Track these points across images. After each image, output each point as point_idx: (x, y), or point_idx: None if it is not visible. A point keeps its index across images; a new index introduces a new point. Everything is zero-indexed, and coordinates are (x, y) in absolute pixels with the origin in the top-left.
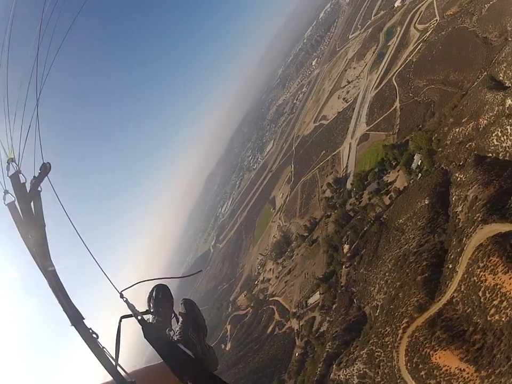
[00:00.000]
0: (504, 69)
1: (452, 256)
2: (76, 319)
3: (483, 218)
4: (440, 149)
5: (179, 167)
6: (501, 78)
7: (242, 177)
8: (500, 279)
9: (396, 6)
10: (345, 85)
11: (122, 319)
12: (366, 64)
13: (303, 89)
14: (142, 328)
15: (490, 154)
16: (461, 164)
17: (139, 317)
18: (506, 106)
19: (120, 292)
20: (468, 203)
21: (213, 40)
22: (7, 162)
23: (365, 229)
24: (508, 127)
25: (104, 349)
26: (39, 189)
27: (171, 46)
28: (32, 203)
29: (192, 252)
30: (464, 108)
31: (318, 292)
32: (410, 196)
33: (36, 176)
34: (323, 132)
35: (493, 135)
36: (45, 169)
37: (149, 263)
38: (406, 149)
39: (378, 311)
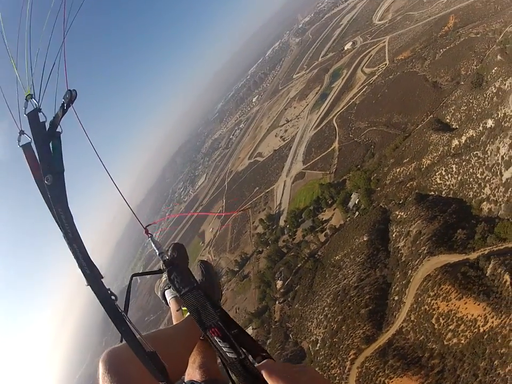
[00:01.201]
0: (452, 111)
1: (397, 289)
2: (94, 277)
3: (429, 251)
4: (378, 188)
5: (106, 193)
6: (447, 120)
7: (172, 209)
8: (454, 305)
9: (345, 48)
10: (284, 124)
11: (134, 277)
12: (308, 104)
13: (241, 125)
14: (167, 270)
15: (432, 193)
16: (400, 202)
17: (163, 256)
18: (452, 146)
19: (145, 227)
20: (410, 238)
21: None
22: (25, 99)
23: (299, 265)
24: (453, 166)
25: (122, 313)
26: (59, 129)
27: None
28: (50, 144)
29: (119, 280)
30: (407, 149)
31: (251, 327)
32: (347, 233)
33: (60, 107)
34: (257, 168)
35: (436, 174)
36: (71, 97)
37: None
38: (343, 188)
39: (319, 345)
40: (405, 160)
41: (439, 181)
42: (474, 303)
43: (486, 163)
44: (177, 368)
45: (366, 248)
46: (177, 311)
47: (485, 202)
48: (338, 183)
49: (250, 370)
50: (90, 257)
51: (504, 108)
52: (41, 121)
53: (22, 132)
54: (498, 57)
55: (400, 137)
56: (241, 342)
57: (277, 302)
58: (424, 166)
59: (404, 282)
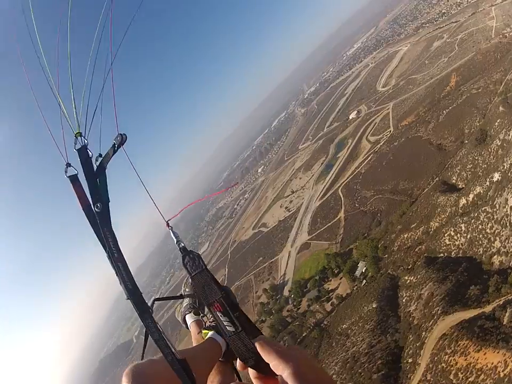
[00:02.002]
0: (458, 171)
1: (411, 351)
2: (134, 292)
3: (443, 311)
4: (386, 256)
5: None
6: (453, 181)
7: (173, 274)
8: (473, 358)
9: (350, 118)
10: (289, 195)
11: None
12: (313, 175)
13: (246, 195)
14: (182, 254)
15: (441, 254)
16: (409, 267)
17: (181, 245)
18: (460, 206)
19: (167, 220)
20: (422, 301)
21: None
22: (75, 136)
23: (304, 335)
24: (462, 225)
25: (159, 326)
26: (106, 166)
27: None
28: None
29: (114, 338)
30: (414, 214)
31: None
32: (354, 301)
33: (110, 150)
34: (262, 239)
35: (445, 235)
36: (121, 140)
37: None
38: (350, 257)
39: None
40: (413, 225)
41: (447, 242)
42: (494, 352)
43: (495, 217)
44: None
45: (375, 315)
46: (198, 333)
47: (496, 256)
48: (345, 253)
49: (246, 343)
50: (132, 274)
51: (510, 159)
52: (89, 156)
53: (68, 165)
54: (501, 108)
55: (406, 203)
56: (240, 321)
57: None
58: (432, 229)
59: (417, 344)
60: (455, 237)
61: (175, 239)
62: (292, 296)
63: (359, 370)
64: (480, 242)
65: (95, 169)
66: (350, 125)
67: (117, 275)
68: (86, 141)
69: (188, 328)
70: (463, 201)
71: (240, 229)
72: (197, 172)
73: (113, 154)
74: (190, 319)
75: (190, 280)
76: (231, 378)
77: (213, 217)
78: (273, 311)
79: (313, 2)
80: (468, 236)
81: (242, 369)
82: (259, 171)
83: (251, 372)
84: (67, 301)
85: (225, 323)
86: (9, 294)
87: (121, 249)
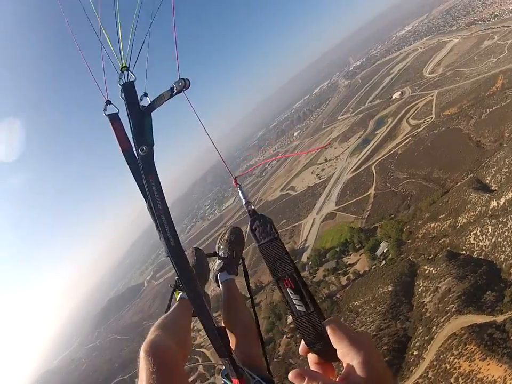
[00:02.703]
0: (493, 172)
1: (418, 343)
2: (177, 250)
3: (458, 309)
4: (409, 241)
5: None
6: (487, 181)
7: (194, 224)
8: (477, 365)
9: (393, 97)
10: (322, 162)
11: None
12: (349, 147)
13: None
14: (250, 218)
15: (464, 252)
16: (430, 257)
17: (248, 206)
18: (490, 207)
19: (234, 177)
20: (439, 294)
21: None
22: (120, 70)
23: None
24: (489, 227)
25: (198, 287)
26: (156, 108)
27: None
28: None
29: (126, 279)
30: (444, 205)
31: None
32: (370, 280)
33: (166, 93)
34: (288, 201)
35: (471, 233)
36: (184, 85)
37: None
38: (373, 235)
39: None
40: (441, 216)
41: (472, 241)
42: (497, 365)
43: None
44: (188, 351)
45: (389, 298)
46: (230, 294)
47: None
48: (369, 230)
49: (315, 326)
50: (176, 230)
51: None
52: (136, 93)
53: (108, 102)
54: None
55: (438, 192)
56: (313, 301)
57: (284, 336)
58: (460, 224)
59: (426, 338)
60: (480, 238)
61: (243, 200)
62: (310, 263)
63: None
64: (503, 249)
65: (141, 109)
66: (392, 104)
67: (157, 229)
68: (133, 76)
69: (218, 287)
70: (494, 203)
71: (268, 188)
72: (232, 127)
73: (168, 99)
74: (223, 277)
75: (230, 237)
76: (256, 344)
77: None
78: None
79: None
80: (493, 240)
81: (304, 353)
82: (295, 135)
83: (312, 357)
84: (90, 238)
85: (295, 302)
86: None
87: (166, 199)
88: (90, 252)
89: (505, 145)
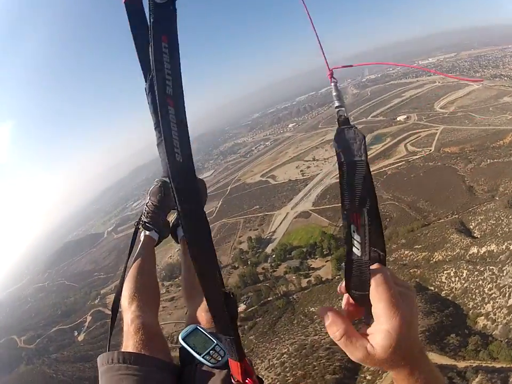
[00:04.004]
0: (479, 220)
1: (372, 368)
2: (186, 167)
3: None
4: None
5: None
6: (471, 226)
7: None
8: None
9: (398, 119)
10: (309, 160)
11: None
12: None
13: (268, 143)
14: (340, 130)
15: (432, 288)
16: None
17: (343, 114)
18: (470, 252)
19: (330, 69)
20: None
21: None
22: None
23: (269, 299)
24: (465, 271)
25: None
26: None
27: None
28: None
29: (87, 226)
30: (422, 237)
31: None
32: (331, 290)
33: None
34: (266, 189)
35: (444, 272)
36: None
37: None
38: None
39: None
40: (417, 246)
41: (444, 280)
42: None
43: (498, 281)
44: (159, 301)
45: None
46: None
47: (482, 317)
48: (341, 239)
49: (364, 276)
50: (190, 138)
51: None
52: None
53: None
54: None
55: (419, 222)
56: (372, 239)
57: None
58: (434, 260)
59: None
60: (453, 279)
61: (336, 101)
62: (273, 256)
63: (314, 363)
64: (473, 297)
65: None
66: (394, 125)
67: (156, 128)
68: None
69: (177, 242)
70: (474, 249)
71: (249, 171)
72: (232, 100)
73: None
74: (181, 233)
75: None
76: None
77: (228, 149)
78: (249, 263)
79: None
80: (465, 285)
81: (342, 293)
82: (289, 126)
83: (347, 300)
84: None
85: (354, 242)
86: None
87: (183, 83)
88: (65, 184)
89: (497, 198)
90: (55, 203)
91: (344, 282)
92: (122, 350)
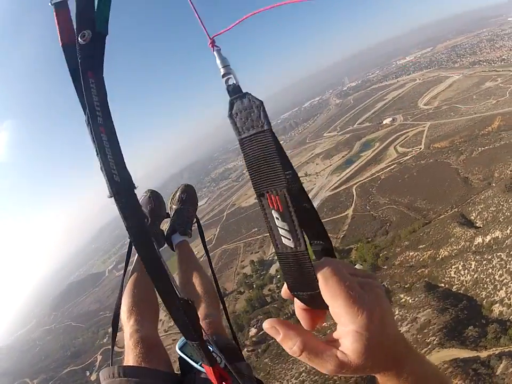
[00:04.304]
0: (479, 209)
1: None
2: (124, 187)
3: (440, 342)
4: (385, 267)
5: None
6: (472, 217)
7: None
8: None
9: (384, 122)
10: (301, 176)
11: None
12: (331, 165)
13: None
14: (231, 101)
15: (442, 285)
16: (406, 286)
17: (228, 80)
18: (475, 243)
19: (211, 37)
20: (417, 325)
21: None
22: None
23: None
24: (473, 263)
25: (153, 238)
26: None
27: None
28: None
29: (88, 265)
30: (425, 236)
31: None
32: None
33: None
34: None
35: (453, 267)
36: None
37: None
38: (348, 257)
39: None
40: (421, 246)
41: (453, 275)
42: None
43: (508, 266)
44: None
45: None
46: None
47: (497, 304)
48: (343, 250)
49: (305, 269)
50: (124, 158)
51: None
52: None
53: None
54: None
55: (419, 222)
56: (306, 225)
57: (245, 349)
58: (441, 257)
59: None
60: (462, 272)
61: (221, 68)
62: (278, 276)
63: (335, 377)
64: (485, 286)
65: None
66: (381, 129)
67: (97, 155)
68: None
69: (173, 250)
70: (479, 239)
71: (242, 194)
72: (217, 127)
73: None
74: (175, 239)
75: (182, 196)
76: (217, 308)
77: (219, 175)
78: (254, 286)
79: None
80: (475, 276)
81: (287, 297)
82: None
83: (298, 304)
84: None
85: (281, 232)
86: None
87: (111, 112)
88: (61, 226)
89: (493, 184)
90: (56, 243)
91: (284, 285)
92: (124, 364)
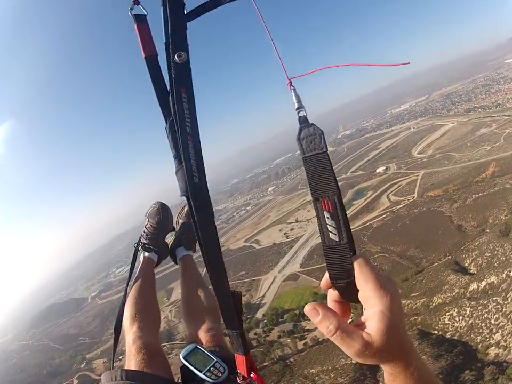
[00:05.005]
0: (474, 256)
1: None
2: (200, 187)
3: None
4: None
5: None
6: (466, 264)
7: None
8: None
9: (377, 171)
10: (292, 222)
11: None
12: None
13: (248, 208)
14: (300, 126)
15: (435, 332)
16: None
17: (302, 113)
18: (470, 289)
19: (289, 78)
20: None
21: None
22: None
23: (265, 364)
24: (468, 309)
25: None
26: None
27: None
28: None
29: (70, 290)
30: (418, 284)
31: None
32: (330, 350)
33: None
34: (251, 254)
35: (447, 314)
36: None
37: None
38: None
39: None
40: (413, 294)
41: (447, 321)
42: None
43: (504, 309)
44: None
45: (352, 371)
46: (187, 272)
47: (493, 347)
48: None
49: (344, 260)
50: (204, 164)
51: None
52: None
53: (137, 2)
54: None
55: (412, 270)
56: (348, 232)
57: None
58: (434, 304)
59: None
60: (457, 319)
61: (296, 103)
62: (265, 321)
63: None
64: (480, 331)
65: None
66: (374, 178)
67: (175, 158)
68: None
69: (176, 263)
70: (474, 285)
71: (231, 237)
72: (209, 167)
73: (214, 8)
74: (180, 253)
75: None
76: (219, 321)
77: None
78: None
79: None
80: (470, 321)
81: (325, 288)
82: (269, 190)
83: (332, 294)
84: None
85: (329, 228)
86: None
87: (198, 123)
88: (49, 245)
89: (487, 231)
90: (38, 264)
91: (326, 275)
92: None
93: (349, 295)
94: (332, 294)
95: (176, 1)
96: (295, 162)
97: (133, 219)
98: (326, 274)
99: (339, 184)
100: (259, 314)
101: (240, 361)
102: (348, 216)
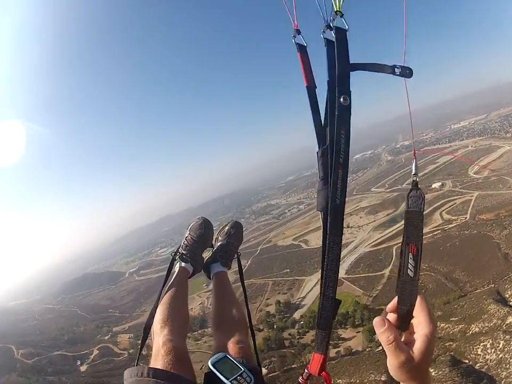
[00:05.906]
0: None
1: None
2: (338, 207)
3: None
4: None
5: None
6: (507, 295)
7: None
8: None
9: (433, 186)
10: (343, 228)
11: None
12: (375, 221)
13: (301, 206)
14: (413, 189)
15: (466, 361)
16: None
17: (416, 179)
18: (507, 322)
19: (415, 150)
20: None
21: None
22: (335, 13)
23: (294, 366)
24: (501, 342)
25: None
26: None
27: None
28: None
29: (109, 262)
30: (459, 308)
31: None
32: (362, 363)
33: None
34: (298, 253)
35: (481, 344)
36: (408, 74)
37: None
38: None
39: None
40: (453, 319)
41: (479, 352)
42: None
43: None
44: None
45: None
46: (220, 286)
47: None
48: (374, 310)
49: (412, 292)
50: (347, 188)
51: None
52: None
53: (298, 31)
54: None
55: (455, 294)
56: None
57: None
58: (471, 332)
59: None
60: (489, 350)
61: (413, 170)
62: (301, 322)
63: None
64: (507, 366)
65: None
66: (429, 193)
67: (321, 179)
68: (345, 25)
69: (209, 278)
70: (510, 319)
71: (281, 233)
72: (271, 161)
73: (384, 72)
74: (215, 268)
75: (231, 230)
76: (247, 335)
77: (260, 209)
78: (275, 326)
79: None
80: (500, 355)
81: (390, 311)
82: None
83: (392, 318)
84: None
85: (409, 266)
86: None
87: (349, 156)
88: (93, 217)
89: None
90: (81, 231)
91: (394, 300)
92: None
93: (403, 321)
94: (391, 318)
95: (344, 51)
96: (352, 167)
97: (183, 203)
98: (394, 299)
99: (395, 194)
100: (297, 315)
101: (317, 359)
102: (400, 228)
